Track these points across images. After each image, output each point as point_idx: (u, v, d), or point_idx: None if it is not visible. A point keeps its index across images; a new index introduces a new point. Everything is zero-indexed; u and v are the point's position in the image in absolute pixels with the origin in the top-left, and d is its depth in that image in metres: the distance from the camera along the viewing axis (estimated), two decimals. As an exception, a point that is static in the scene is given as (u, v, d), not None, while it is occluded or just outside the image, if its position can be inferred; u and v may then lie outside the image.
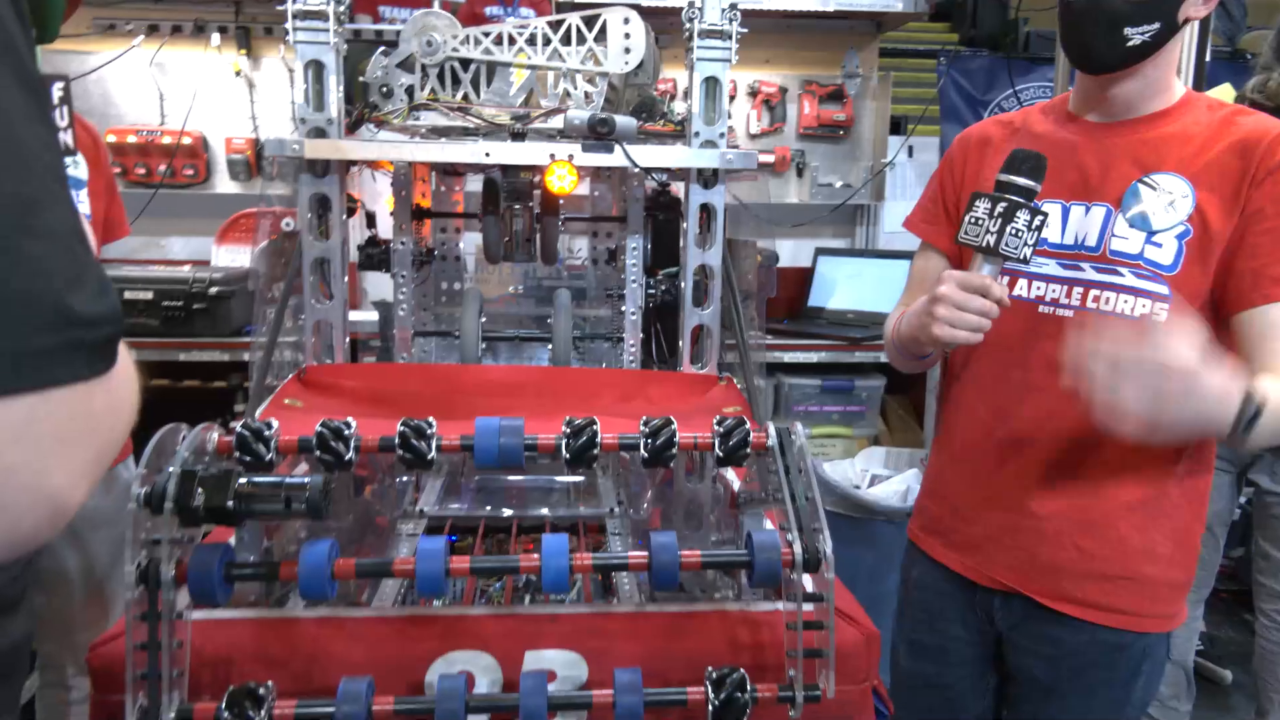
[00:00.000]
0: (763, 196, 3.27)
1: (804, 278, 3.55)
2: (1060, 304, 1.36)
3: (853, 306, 3.42)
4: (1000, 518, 1.41)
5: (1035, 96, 3.53)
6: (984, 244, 1.23)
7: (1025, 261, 1.23)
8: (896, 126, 3.70)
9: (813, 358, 3.15)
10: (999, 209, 1.22)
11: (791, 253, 3.61)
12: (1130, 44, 1.27)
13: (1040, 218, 1.22)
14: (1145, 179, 1.31)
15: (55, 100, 0.81)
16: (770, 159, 3.56)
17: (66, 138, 0.82)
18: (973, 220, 1.24)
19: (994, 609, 1.45)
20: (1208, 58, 3.58)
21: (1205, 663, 3.02)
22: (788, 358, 3.15)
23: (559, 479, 1.82)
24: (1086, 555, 1.34)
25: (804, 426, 3.20)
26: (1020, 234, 1.20)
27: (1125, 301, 1.30)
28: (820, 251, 3.55)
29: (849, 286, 3.47)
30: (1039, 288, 1.38)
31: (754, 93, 3.54)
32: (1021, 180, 1.22)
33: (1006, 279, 1.40)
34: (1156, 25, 1.26)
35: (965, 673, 1.52)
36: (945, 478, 1.52)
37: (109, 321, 0.61)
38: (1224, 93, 3.14)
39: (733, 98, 3.54)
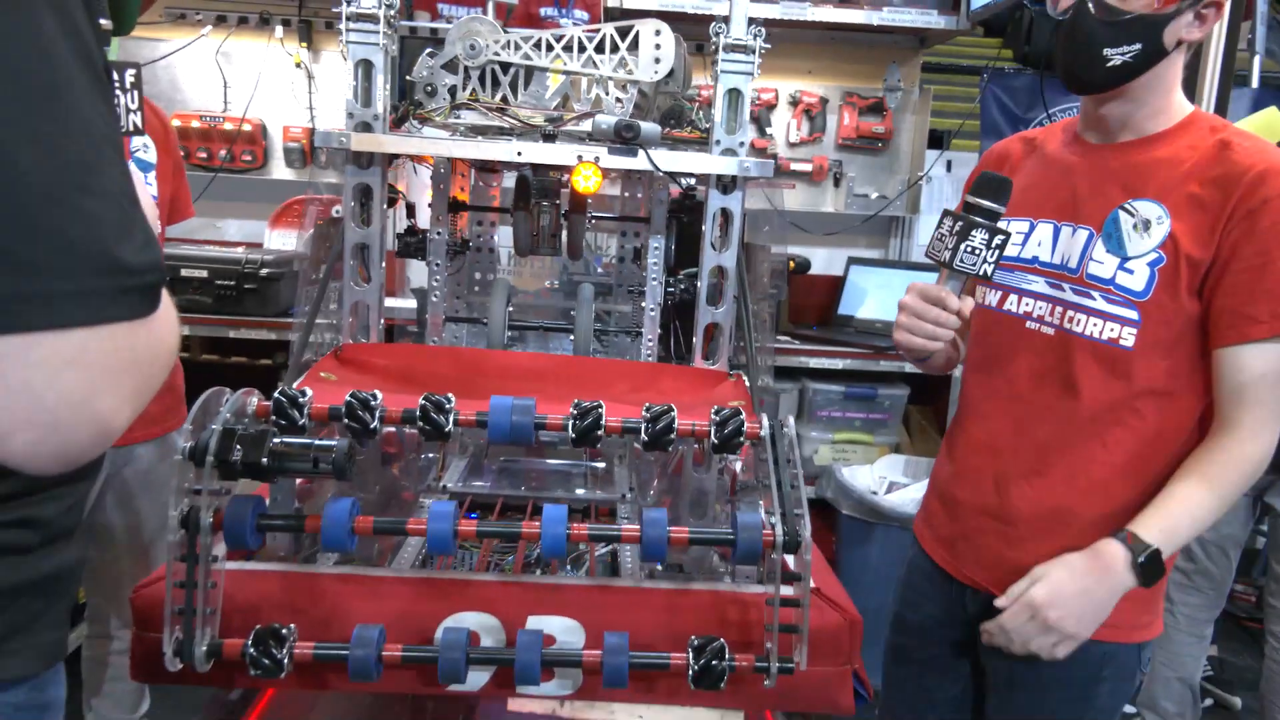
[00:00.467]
0: (779, 203, 3.34)
1: (836, 286, 3.60)
2: (1045, 321, 1.41)
3: (882, 316, 3.47)
4: (976, 519, 1.48)
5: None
6: (942, 259, 1.31)
7: (987, 277, 1.30)
8: (937, 140, 3.73)
9: (838, 364, 3.20)
10: (957, 227, 1.29)
11: (825, 261, 3.66)
12: (1110, 64, 1.29)
13: (1001, 237, 1.28)
14: (1125, 205, 1.34)
15: (128, 85, 0.91)
16: (808, 168, 3.62)
17: (136, 119, 0.92)
18: (938, 237, 1.32)
19: (966, 602, 1.52)
20: (1255, 84, 3.58)
21: (1214, 688, 3.03)
22: (813, 363, 3.20)
23: (578, 464, 1.91)
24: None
25: (826, 431, 3.26)
26: (977, 251, 1.28)
27: (1095, 325, 1.34)
28: (853, 261, 3.60)
29: (879, 296, 3.51)
30: (1027, 304, 1.43)
31: (795, 102, 3.59)
32: (983, 202, 1.29)
33: (999, 293, 1.47)
34: (1138, 46, 1.28)
35: (938, 653, 1.59)
36: (941, 476, 1.60)
37: (152, 270, 0.71)
38: (1270, 116, 3.11)
39: (774, 106, 3.60)
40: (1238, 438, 1.28)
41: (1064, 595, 1.29)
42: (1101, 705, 1.43)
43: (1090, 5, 1.28)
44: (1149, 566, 1.27)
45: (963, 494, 1.51)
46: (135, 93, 0.91)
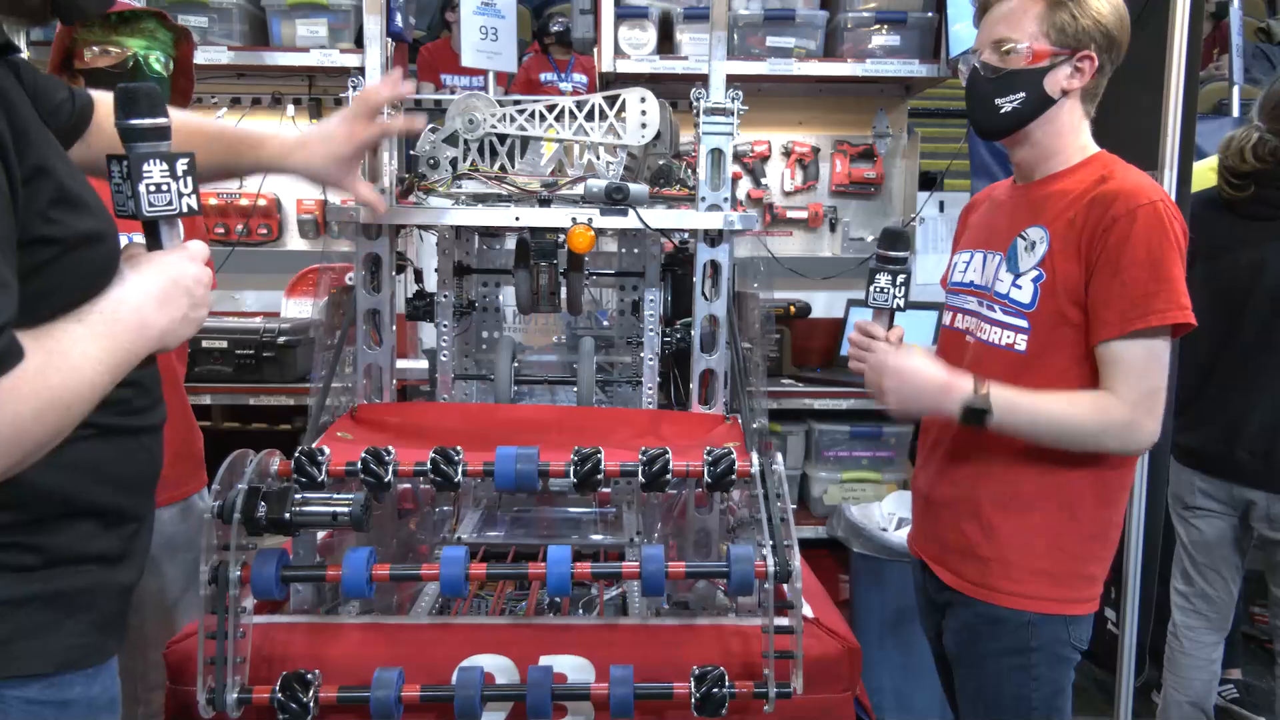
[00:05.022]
0: (760, 251, 3.47)
1: (837, 328, 3.68)
2: (971, 333, 1.62)
3: (885, 355, 3.53)
4: (922, 503, 1.70)
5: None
6: (864, 301, 1.59)
7: (900, 310, 1.54)
8: (929, 182, 3.82)
9: (843, 405, 3.25)
10: (869, 275, 1.54)
11: (825, 304, 3.74)
12: (1003, 111, 1.51)
13: (903, 276, 1.51)
14: (1022, 232, 1.53)
15: (179, 172, 1.02)
16: (804, 215, 3.72)
17: (191, 201, 1.04)
18: (868, 283, 1.58)
19: (926, 580, 1.70)
20: (1235, 113, 3.67)
21: (1241, 710, 3.02)
22: (818, 405, 3.26)
23: (588, 511, 1.97)
24: (968, 539, 1.58)
25: (835, 471, 3.31)
26: (885, 290, 1.54)
27: (995, 333, 1.55)
28: (852, 303, 3.67)
29: (880, 336, 3.57)
30: (962, 320, 1.65)
31: (788, 152, 3.71)
32: (885, 252, 1.55)
33: (950, 313, 1.70)
34: (1022, 95, 1.49)
35: (929, 625, 1.77)
36: (914, 476, 1.81)
37: None
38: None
39: (768, 158, 3.71)
40: (1104, 393, 1.44)
41: (906, 381, 1.50)
42: (1041, 675, 1.55)
43: (979, 67, 1.53)
44: (970, 412, 1.46)
45: (917, 484, 1.73)
46: (189, 178, 1.03)
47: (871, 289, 1.57)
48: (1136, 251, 1.40)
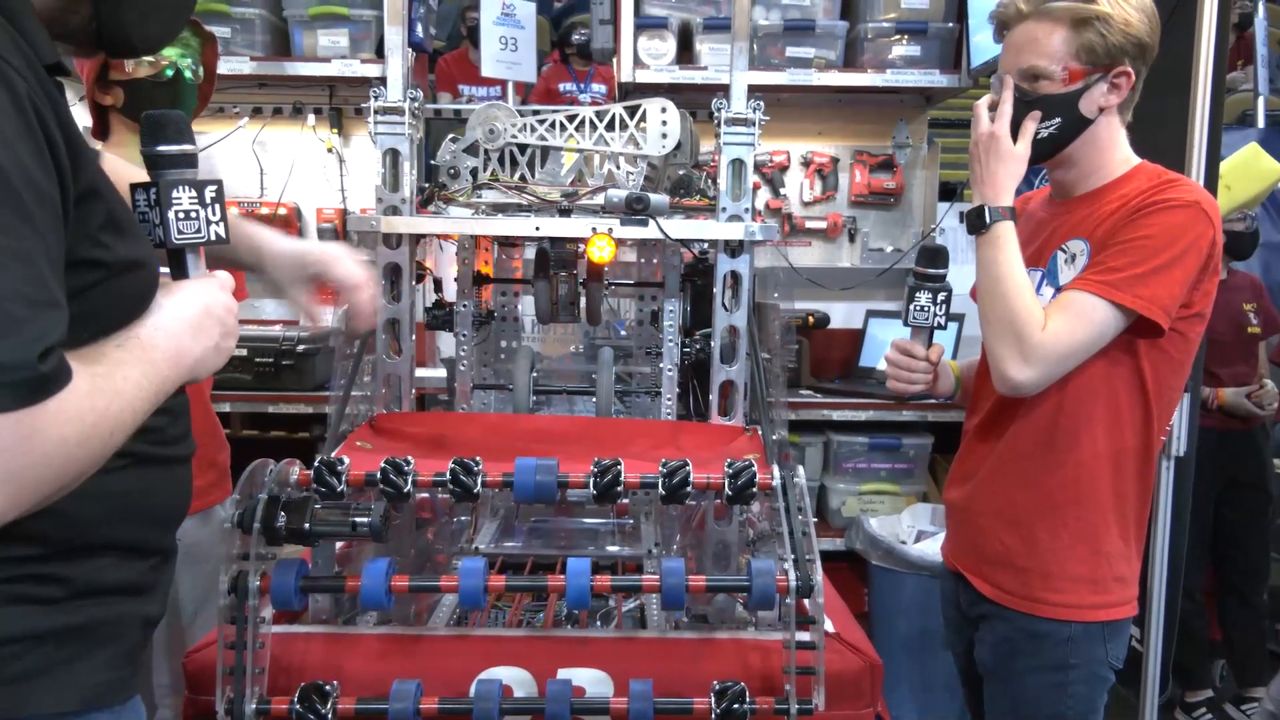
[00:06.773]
0: (778, 261, 3.47)
1: (856, 339, 3.66)
2: None
3: (904, 367, 3.50)
4: (959, 514, 1.66)
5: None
6: (905, 321, 1.54)
7: (940, 328, 1.52)
8: (949, 193, 3.80)
9: (861, 416, 3.24)
10: (909, 293, 1.52)
11: (844, 315, 3.72)
12: (1039, 138, 1.46)
13: (943, 294, 1.50)
14: (1062, 245, 1.50)
15: (208, 199, 0.99)
16: (823, 225, 3.71)
17: (219, 229, 1.01)
18: (905, 305, 1.55)
19: (960, 592, 1.66)
20: (1261, 123, 3.64)
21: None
22: (836, 416, 3.24)
23: (605, 522, 1.96)
24: (1007, 548, 1.55)
25: (853, 483, 3.28)
26: (925, 309, 1.53)
27: None
28: (871, 314, 3.65)
29: (900, 347, 3.55)
30: None
31: (807, 162, 3.70)
32: (925, 269, 1.52)
33: None
34: (1058, 120, 1.45)
35: (958, 640, 1.74)
36: (947, 491, 1.77)
37: (22, 368, 0.76)
38: (1248, 153, 3.16)
39: (786, 168, 3.71)
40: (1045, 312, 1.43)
41: (998, 152, 1.46)
42: (1078, 693, 1.52)
43: (1016, 93, 1.47)
44: (980, 212, 1.47)
45: (951, 496, 1.70)
46: (217, 205, 1.00)
47: (912, 307, 1.53)
48: (1151, 230, 1.37)
